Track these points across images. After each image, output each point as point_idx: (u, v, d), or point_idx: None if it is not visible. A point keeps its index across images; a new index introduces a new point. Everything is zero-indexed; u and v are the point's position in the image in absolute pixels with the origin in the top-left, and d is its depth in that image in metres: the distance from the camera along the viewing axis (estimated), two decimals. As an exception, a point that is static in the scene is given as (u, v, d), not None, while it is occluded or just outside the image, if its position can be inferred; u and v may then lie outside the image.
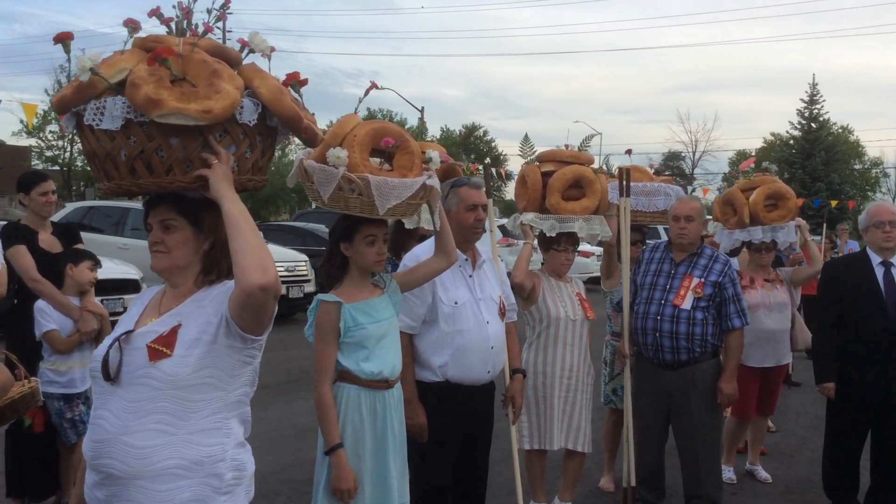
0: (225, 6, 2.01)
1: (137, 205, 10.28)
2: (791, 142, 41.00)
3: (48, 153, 38.85)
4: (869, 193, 46.72)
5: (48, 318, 3.92)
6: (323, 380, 2.69)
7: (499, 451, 4.05)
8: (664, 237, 5.27)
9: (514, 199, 4.76)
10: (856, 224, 4.77)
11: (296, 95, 2.09)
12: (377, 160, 2.68)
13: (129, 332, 1.92)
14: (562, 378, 4.09)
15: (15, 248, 3.94)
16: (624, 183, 4.42)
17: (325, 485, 2.67)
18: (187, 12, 2.03)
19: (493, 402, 3.51)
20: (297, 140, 2.16)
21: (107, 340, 1.96)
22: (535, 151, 5.02)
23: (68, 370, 3.95)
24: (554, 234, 4.13)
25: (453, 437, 3.27)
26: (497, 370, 3.45)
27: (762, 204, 4.93)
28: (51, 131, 37.45)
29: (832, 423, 4.40)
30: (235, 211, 1.82)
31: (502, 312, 3.49)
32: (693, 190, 29.56)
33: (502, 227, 11.40)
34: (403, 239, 4.13)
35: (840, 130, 46.53)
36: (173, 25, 2.04)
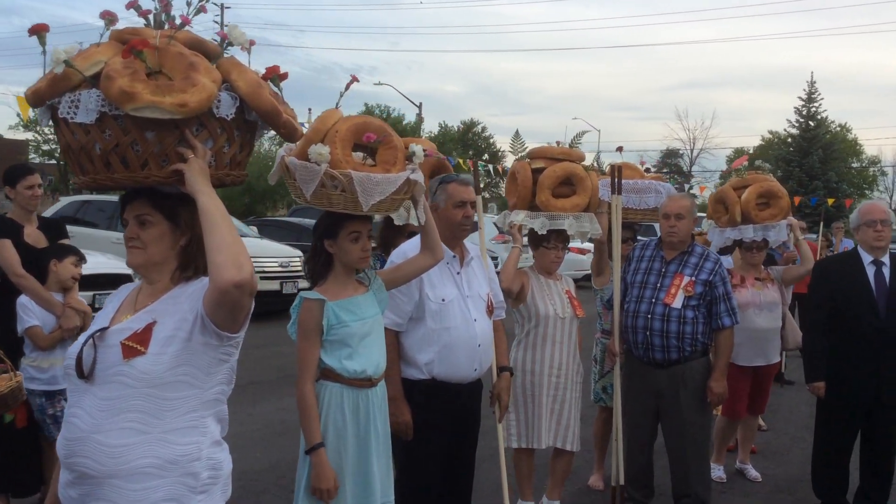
0: (205, -1, 1.98)
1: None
2: (789, 140, 41.01)
3: (45, 147, 38.76)
4: (866, 192, 46.73)
5: (30, 314, 3.89)
6: (305, 378, 2.67)
7: (486, 449, 4.03)
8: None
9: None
10: (851, 222, 4.74)
11: (275, 89, 2.06)
12: (360, 155, 2.65)
13: (103, 330, 1.89)
14: (550, 376, 4.06)
15: (0, 243, 3.92)
16: (615, 180, 4.39)
17: (306, 484, 2.65)
18: (166, 4, 2.01)
19: (480, 401, 3.48)
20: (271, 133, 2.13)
21: (81, 338, 1.94)
22: (525, 148, 4.99)
23: (50, 367, 3.91)
24: (544, 232, 4.10)
25: (439, 435, 3.24)
26: (484, 368, 3.42)
27: (754, 202, 4.90)
28: (47, 125, 37.29)
29: (823, 422, 4.39)
30: (211, 206, 1.79)
31: (490, 310, 3.46)
32: (690, 188, 29.52)
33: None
34: (393, 235, 4.08)
35: (838, 129, 46.53)
36: (151, 18, 2.01)
